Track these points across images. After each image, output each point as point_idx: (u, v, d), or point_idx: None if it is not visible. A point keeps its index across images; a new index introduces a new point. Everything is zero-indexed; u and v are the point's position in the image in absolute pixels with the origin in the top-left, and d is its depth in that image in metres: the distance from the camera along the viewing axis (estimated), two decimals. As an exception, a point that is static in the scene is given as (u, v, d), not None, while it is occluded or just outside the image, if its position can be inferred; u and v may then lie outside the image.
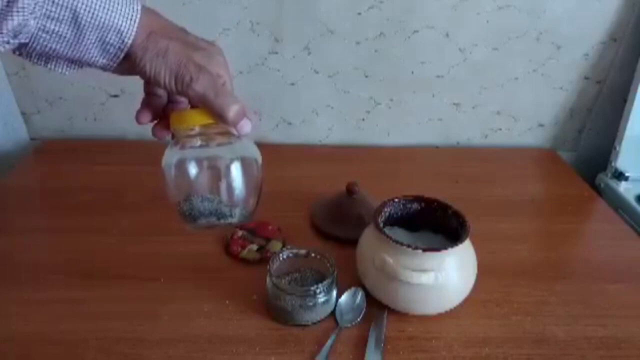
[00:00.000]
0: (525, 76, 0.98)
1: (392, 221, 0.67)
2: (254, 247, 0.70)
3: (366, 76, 0.97)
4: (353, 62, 0.96)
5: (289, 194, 0.84)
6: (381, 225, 0.62)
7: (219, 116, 0.43)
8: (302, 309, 0.58)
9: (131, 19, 0.40)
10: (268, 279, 0.59)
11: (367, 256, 0.62)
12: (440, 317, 0.60)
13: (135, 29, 0.40)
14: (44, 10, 0.38)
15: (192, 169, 0.48)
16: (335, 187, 0.79)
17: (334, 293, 0.61)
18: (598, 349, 0.58)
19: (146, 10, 0.42)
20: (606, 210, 0.86)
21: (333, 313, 0.61)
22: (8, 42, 0.38)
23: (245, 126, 0.45)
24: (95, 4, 0.39)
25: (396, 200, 0.66)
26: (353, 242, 0.66)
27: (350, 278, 0.64)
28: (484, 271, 0.62)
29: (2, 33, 0.37)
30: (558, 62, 0.96)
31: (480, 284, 0.61)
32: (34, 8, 0.37)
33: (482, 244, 0.62)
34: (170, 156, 0.48)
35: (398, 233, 0.67)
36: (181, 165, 0.48)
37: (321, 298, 0.58)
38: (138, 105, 0.48)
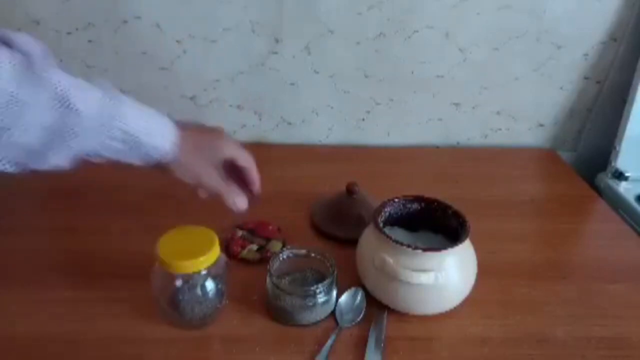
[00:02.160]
0: (525, 76, 0.98)
1: (392, 221, 0.67)
2: (254, 247, 0.70)
3: (366, 76, 0.97)
4: (353, 62, 0.96)
5: (289, 194, 0.84)
6: (381, 225, 0.62)
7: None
8: (302, 309, 0.58)
9: (170, 141, 0.53)
10: (268, 279, 0.59)
11: (367, 256, 0.62)
12: (440, 317, 0.60)
13: (171, 149, 0.53)
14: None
15: (178, 282, 0.57)
16: (335, 187, 0.79)
17: (334, 293, 0.61)
18: (598, 349, 0.58)
19: (179, 132, 0.54)
20: (606, 210, 0.86)
21: (333, 313, 0.61)
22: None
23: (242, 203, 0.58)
24: (152, 136, 0.52)
25: (396, 200, 0.66)
26: (353, 242, 0.66)
27: (350, 278, 0.64)
28: (484, 271, 0.62)
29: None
30: (558, 62, 0.96)
31: (480, 284, 0.61)
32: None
33: (482, 244, 0.62)
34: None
35: (398, 233, 0.68)
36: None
37: (321, 298, 0.58)
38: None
